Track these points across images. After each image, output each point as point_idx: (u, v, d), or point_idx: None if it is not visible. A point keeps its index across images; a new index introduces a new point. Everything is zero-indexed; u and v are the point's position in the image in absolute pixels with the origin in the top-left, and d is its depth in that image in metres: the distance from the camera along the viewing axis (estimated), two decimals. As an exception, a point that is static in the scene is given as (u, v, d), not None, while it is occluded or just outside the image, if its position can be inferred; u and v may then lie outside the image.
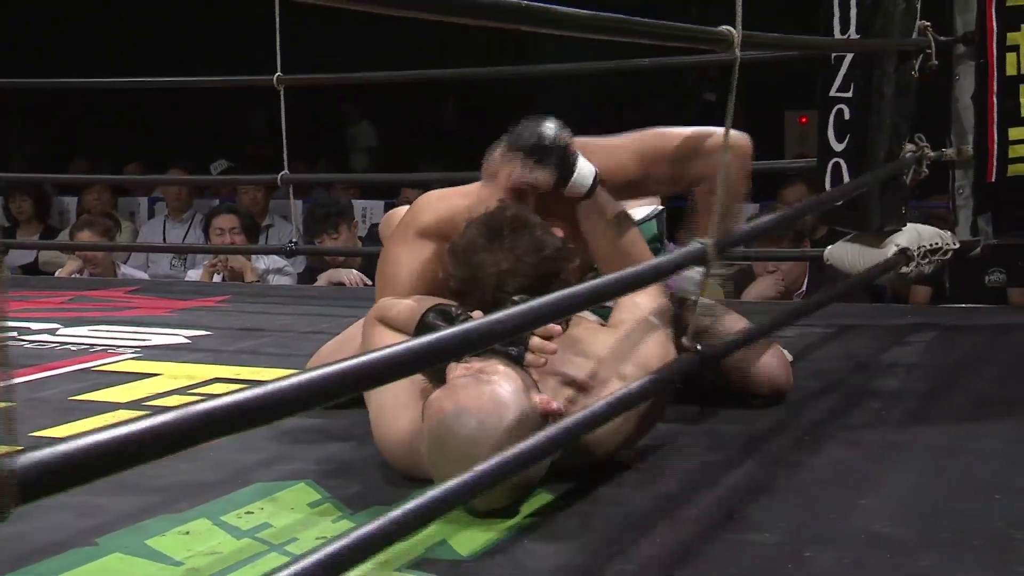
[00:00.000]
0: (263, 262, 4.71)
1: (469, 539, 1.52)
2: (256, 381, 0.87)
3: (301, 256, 4.75)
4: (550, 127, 1.93)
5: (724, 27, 1.71)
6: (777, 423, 2.11)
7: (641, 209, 2.28)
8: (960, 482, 1.78)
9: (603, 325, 1.93)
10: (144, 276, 5.07)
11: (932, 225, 3.11)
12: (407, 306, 1.86)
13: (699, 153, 2.09)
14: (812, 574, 1.42)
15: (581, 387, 1.78)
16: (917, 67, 2.93)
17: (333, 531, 1.59)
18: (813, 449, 1.95)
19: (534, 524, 1.59)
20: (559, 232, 1.85)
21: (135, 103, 8.36)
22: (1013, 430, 2.07)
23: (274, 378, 0.90)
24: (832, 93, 2.97)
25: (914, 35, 2.93)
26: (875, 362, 2.70)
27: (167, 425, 0.74)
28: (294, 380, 0.85)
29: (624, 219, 2.01)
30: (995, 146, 3.07)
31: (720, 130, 1.94)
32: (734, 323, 2.20)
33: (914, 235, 2.96)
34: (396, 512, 1.07)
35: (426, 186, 4.01)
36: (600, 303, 1.83)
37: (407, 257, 2.02)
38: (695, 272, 1.95)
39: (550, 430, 1.49)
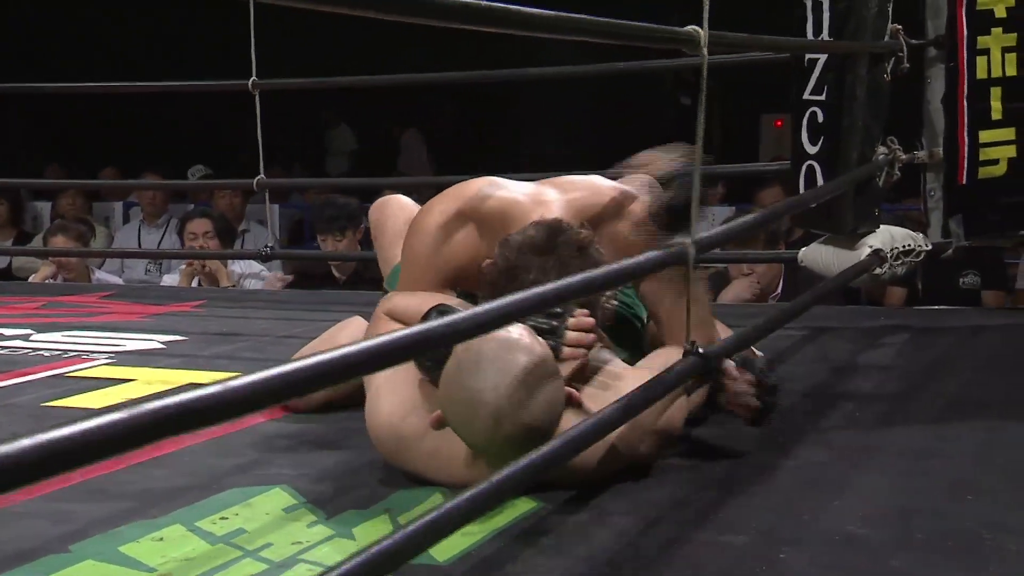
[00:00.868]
0: (239, 266, 4.69)
1: (446, 545, 1.52)
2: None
3: (277, 260, 4.76)
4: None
5: (691, 27, 1.72)
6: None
7: None
8: (933, 483, 1.79)
9: (630, 366, 1.92)
10: (119, 281, 5.04)
11: (905, 227, 3.14)
12: (415, 302, 1.88)
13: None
14: (786, 575, 1.43)
15: None
16: (889, 70, 2.95)
17: (308, 536, 1.59)
18: (787, 451, 1.96)
19: (511, 529, 1.59)
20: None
21: (110, 108, 8.32)
22: (985, 432, 2.09)
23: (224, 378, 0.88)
24: (805, 96, 2.99)
25: (886, 38, 2.95)
26: (849, 364, 2.71)
27: (118, 424, 0.72)
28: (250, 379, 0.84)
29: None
30: (966, 149, 3.10)
31: None
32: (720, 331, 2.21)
33: (887, 237, 2.98)
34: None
35: (406, 190, 4.01)
36: (588, 295, 1.81)
37: (442, 231, 1.99)
38: None
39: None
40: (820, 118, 2.96)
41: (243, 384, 0.80)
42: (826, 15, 2.95)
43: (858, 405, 2.29)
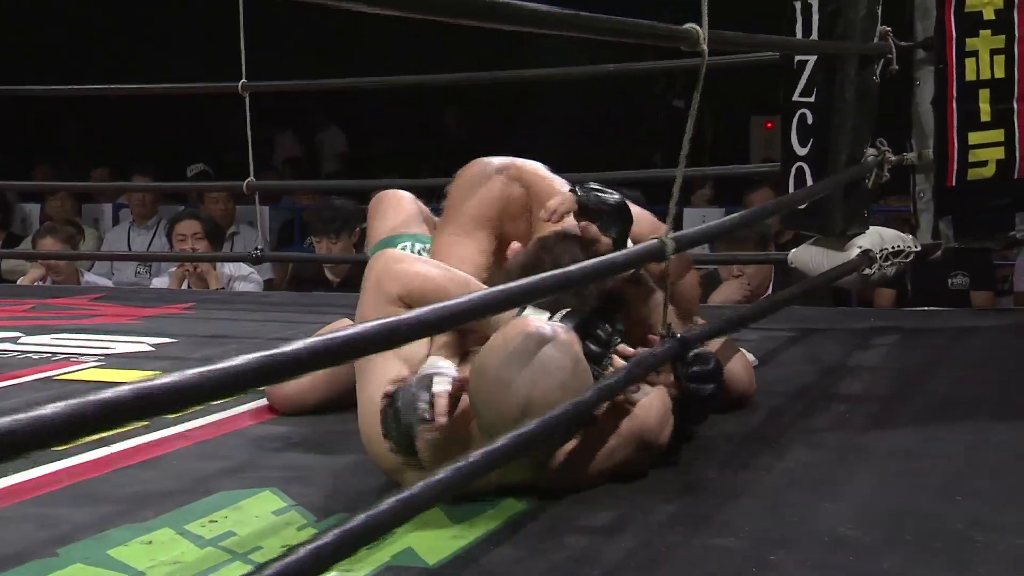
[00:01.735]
0: (228, 269, 4.69)
1: (435, 547, 1.52)
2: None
3: (267, 263, 4.75)
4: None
5: (690, 24, 1.72)
6: (741, 426, 2.12)
7: None
8: (922, 484, 1.79)
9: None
10: (108, 283, 5.03)
11: (891, 227, 3.15)
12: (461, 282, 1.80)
13: None
14: (776, 577, 1.43)
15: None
16: (878, 72, 2.96)
17: (298, 539, 1.58)
18: (777, 452, 1.96)
19: (501, 532, 1.59)
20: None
21: (103, 109, 8.30)
22: (974, 432, 2.09)
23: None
24: (795, 98, 3.00)
25: (875, 40, 2.96)
26: (839, 365, 2.72)
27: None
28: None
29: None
30: (955, 150, 3.10)
31: None
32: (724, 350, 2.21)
33: (876, 238, 2.99)
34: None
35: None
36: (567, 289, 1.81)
37: (494, 187, 2.02)
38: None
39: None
40: (810, 120, 2.97)
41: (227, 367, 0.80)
42: (815, 17, 2.95)
43: (848, 406, 2.29)
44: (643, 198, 4.20)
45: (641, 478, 1.80)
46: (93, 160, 7.57)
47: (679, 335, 1.84)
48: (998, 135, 3.08)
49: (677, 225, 1.80)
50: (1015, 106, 3.07)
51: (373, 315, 1.58)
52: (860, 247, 2.95)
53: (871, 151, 2.98)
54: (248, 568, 1.48)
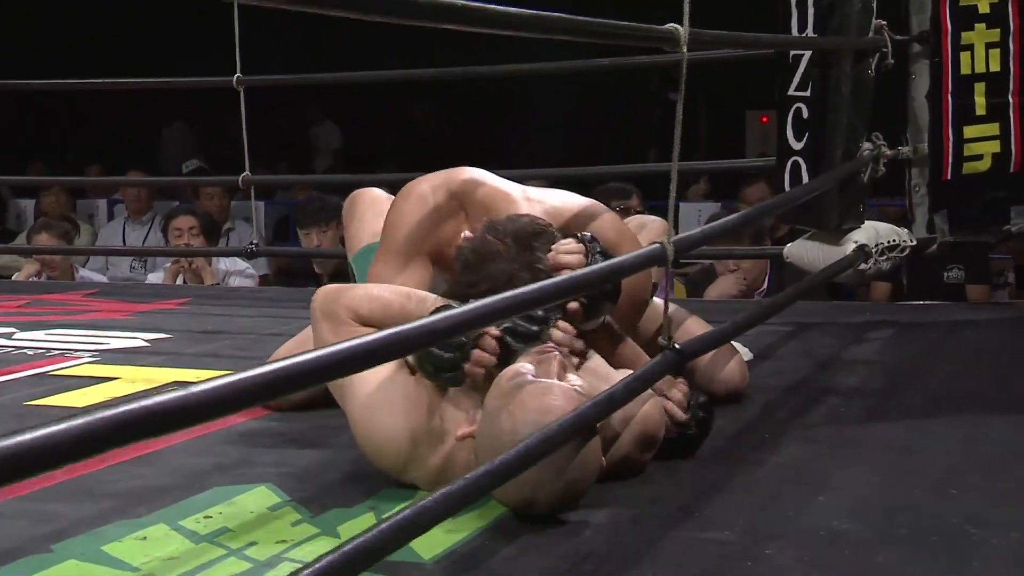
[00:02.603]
0: (223, 264, 4.68)
1: (432, 543, 1.52)
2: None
3: (263, 258, 4.74)
4: None
5: (671, 24, 1.72)
6: (736, 421, 2.12)
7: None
8: (917, 479, 1.79)
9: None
10: (103, 279, 5.02)
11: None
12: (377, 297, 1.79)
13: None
14: (771, 572, 1.43)
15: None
16: (873, 66, 2.96)
17: (292, 535, 1.58)
18: (772, 447, 1.96)
19: (497, 528, 1.59)
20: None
21: (93, 104, 8.28)
22: (969, 427, 2.09)
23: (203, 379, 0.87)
24: (790, 92, 3.00)
25: (870, 34, 2.96)
26: (834, 359, 2.72)
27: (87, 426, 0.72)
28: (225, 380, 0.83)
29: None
30: (950, 144, 3.10)
31: None
32: (695, 328, 2.21)
33: (872, 232, 2.99)
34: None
35: (392, 187, 3.99)
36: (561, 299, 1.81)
37: (426, 205, 1.99)
38: None
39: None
40: (805, 114, 2.97)
41: (215, 387, 0.80)
42: (810, 11, 2.95)
43: (843, 400, 2.30)
44: (638, 193, 4.23)
45: (628, 474, 1.80)
46: (90, 157, 7.55)
47: (677, 346, 1.84)
48: (993, 129, 3.09)
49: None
50: (1010, 100, 3.07)
51: (334, 340, 1.51)
52: (856, 242, 2.95)
53: (867, 145, 2.98)
54: (243, 563, 1.48)
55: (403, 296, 1.78)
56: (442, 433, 1.70)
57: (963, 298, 4.12)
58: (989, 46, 3.07)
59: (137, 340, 3.08)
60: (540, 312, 1.72)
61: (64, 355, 2.87)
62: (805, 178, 2.95)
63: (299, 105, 8.85)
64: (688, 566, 1.45)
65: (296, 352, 0.97)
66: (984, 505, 1.64)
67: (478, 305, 1.20)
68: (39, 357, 2.85)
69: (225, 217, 5.46)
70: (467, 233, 1.87)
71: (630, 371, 1.79)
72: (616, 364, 1.85)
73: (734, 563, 1.45)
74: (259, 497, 1.74)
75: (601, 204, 2.09)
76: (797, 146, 3.00)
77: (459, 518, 1.59)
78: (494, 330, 1.68)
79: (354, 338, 1.03)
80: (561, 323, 1.74)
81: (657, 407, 1.78)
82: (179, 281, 4.57)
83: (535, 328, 1.73)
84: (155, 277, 4.84)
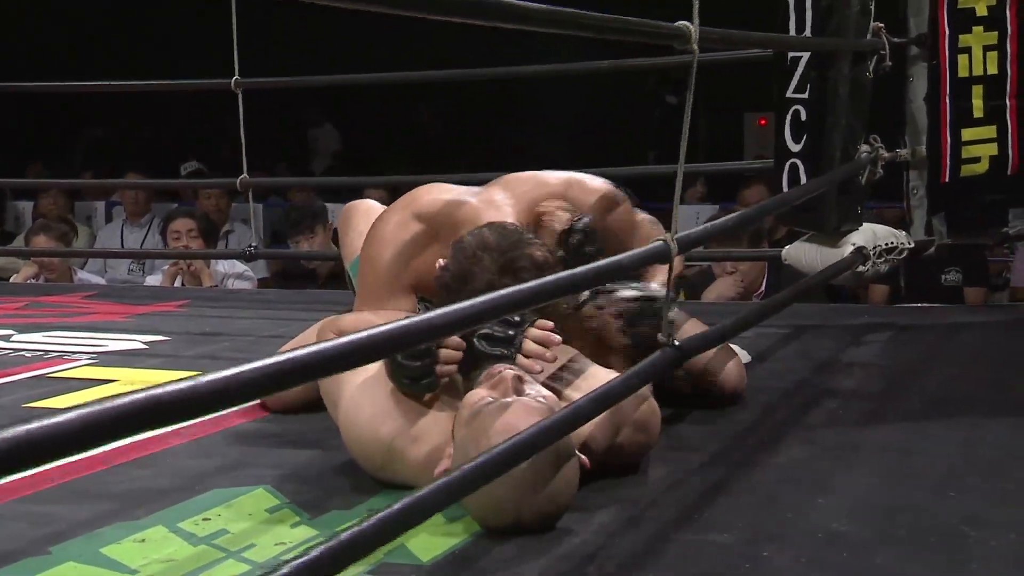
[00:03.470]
0: (222, 266, 4.68)
1: (429, 544, 1.52)
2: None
3: (261, 261, 4.74)
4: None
5: (681, 22, 1.72)
6: (735, 423, 2.13)
7: None
8: (916, 480, 1.80)
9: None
10: (101, 281, 5.01)
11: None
12: (367, 320, 1.83)
13: None
14: (771, 573, 1.43)
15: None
16: (871, 68, 2.96)
17: (291, 537, 1.58)
18: (771, 449, 1.96)
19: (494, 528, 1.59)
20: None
21: (96, 108, 8.29)
22: (967, 429, 2.10)
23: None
24: (788, 94, 3.00)
25: (868, 36, 2.96)
26: (832, 361, 2.72)
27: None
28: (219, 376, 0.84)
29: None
30: (948, 147, 3.11)
31: None
32: (692, 328, 2.21)
33: (869, 234, 2.99)
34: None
35: (393, 189, 4.00)
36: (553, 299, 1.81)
37: (398, 237, 2.00)
38: None
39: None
40: (803, 116, 2.97)
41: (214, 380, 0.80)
42: (809, 13, 2.95)
43: (841, 402, 2.30)
44: (635, 196, 4.22)
45: (633, 473, 1.80)
46: (90, 160, 7.55)
47: (677, 343, 1.84)
48: (991, 131, 3.09)
49: (667, 223, 1.81)
50: (1008, 103, 3.07)
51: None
52: (853, 244, 2.95)
53: (864, 148, 2.98)
54: (242, 566, 1.48)
55: (391, 318, 1.79)
56: (427, 432, 1.72)
57: (961, 300, 4.13)
58: (987, 49, 3.07)
59: (135, 342, 3.08)
60: (515, 317, 1.73)
61: (62, 357, 2.86)
62: (803, 180, 2.95)
63: (297, 107, 8.86)
64: (688, 567, 1.45)
65: None
66: (983, 506, 1.64)
67: (445, 311, 1.20)
68: (37, 359, 2.85)
69: (224, 219, 5.46)
70: (441, 262, 1.88)
71: (617, 373, 1.80)
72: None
73: (733, 564, 1.45)
74: (258, 499, 1.74)
75: (577, 179, 2.10)
76: (795, 148, 2.99)
77: (457, 520, 1.59)
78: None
79: (332, 338, 1.05)
80: (539, 322, 1.74)
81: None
82: (177, 283, 4.57)
83: (511, 332, 1.73)
84: (153, 279, 4.84)
